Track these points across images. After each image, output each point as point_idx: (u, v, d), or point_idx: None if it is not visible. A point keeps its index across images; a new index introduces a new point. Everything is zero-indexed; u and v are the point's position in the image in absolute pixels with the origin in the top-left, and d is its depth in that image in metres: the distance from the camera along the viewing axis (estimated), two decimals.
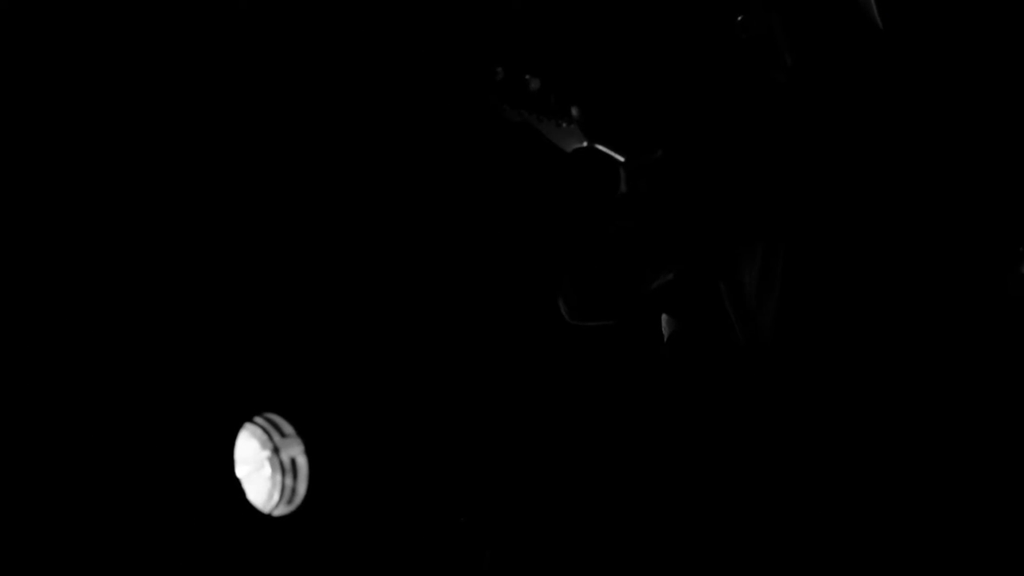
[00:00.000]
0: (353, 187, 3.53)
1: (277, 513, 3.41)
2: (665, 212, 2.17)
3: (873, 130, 2.11)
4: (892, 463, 2.13)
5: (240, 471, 3.37)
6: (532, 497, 3.51)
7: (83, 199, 3.16)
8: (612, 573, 3.17)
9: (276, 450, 3.42)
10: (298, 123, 3.46)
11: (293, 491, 3.42)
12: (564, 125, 2.33)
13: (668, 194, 2.17)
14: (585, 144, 2.33)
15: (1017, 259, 2.19)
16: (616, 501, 3.22)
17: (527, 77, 2.32)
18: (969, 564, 2.10)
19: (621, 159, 2.27)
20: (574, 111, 2.33)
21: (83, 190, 3.16)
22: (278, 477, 3.42)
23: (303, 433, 3.41)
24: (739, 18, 2.14)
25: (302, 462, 3.41)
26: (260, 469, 3.42)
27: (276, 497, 3.41)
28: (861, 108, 2.11)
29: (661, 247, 2.20)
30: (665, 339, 2.47)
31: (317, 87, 3.46)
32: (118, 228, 3.21)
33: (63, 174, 3.14)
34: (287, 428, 3.41)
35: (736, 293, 2.18)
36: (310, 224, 3.48)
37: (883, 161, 2.11)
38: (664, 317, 2.47)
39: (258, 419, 3.40)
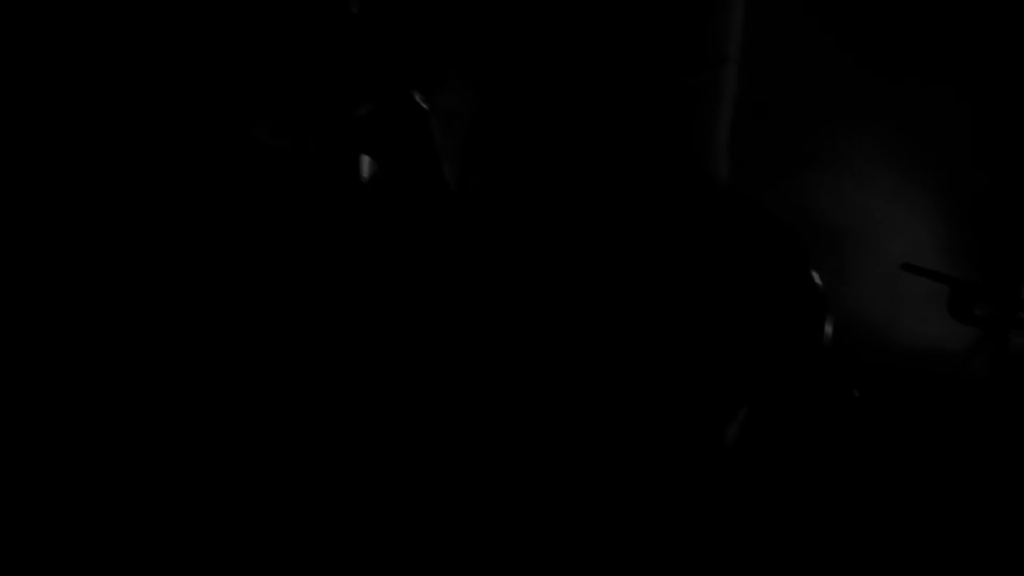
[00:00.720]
0: None
1: None
2: (378, 37, 2.15)
3: None
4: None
5: None
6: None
7: None
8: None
9: None
10: None
11: None
12: None
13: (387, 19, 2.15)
14: None
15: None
16: None
17: None
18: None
19: None
20: None
21: None
22: None
23: None
24: None
25: None
26: None
27: None
28: None
29: (367, 65, 2.18)
30: (365, 180, 2.44)
31: None
32: None
33: None
34: None
35: (449, 132, 2.18)
36: None
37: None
38: (365, 157, 2.44)
39: None
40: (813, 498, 2.51)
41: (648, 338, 2.21)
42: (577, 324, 2.19)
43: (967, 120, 2.79)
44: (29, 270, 3.10)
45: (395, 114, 2.25)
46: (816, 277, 2.34)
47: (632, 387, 2.21)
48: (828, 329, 2.32)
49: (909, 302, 2.67)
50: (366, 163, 2.46)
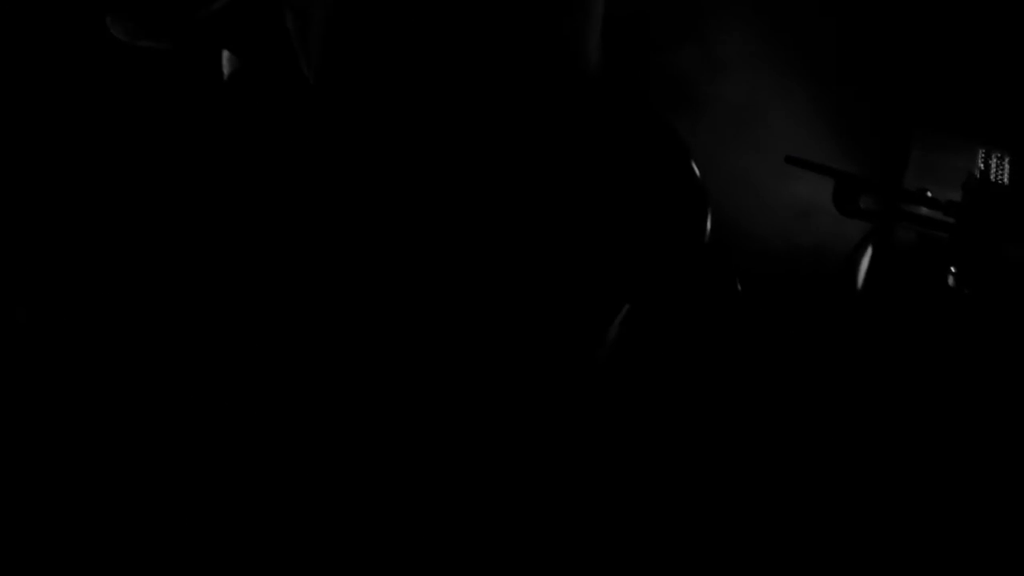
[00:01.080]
0: None
1: None
2: None
3: None
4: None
5: None
6: None
7: None
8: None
9: None
10: None
11: None
12: None
13: None
14: None
15: None
16: None
17: None
18: None
19: None
20: None
21: None
22: None
23: None
24: None
25: None
26: None
27: None
28: None
29: None
30: (225, 77, 2.37)
31: None
32: None
33: None
34: None
35: (302, 27, 2.11)
36: None
37: None
38: (225, 54, 2.37)
39: None
40: (698, 397, 2.49)
41: (525, 235, 2.16)
42: (452, 222, 2.13)
43: (846, 13, 2.77)
44: None
45: (249, 8, 2.18)
46: (695, 169, 2.29)
47: (510, 286, 2.15)
48: (709, 221, 2.28)
49: (788, 183, 2.65)
50: (226, 59, 2.39)
